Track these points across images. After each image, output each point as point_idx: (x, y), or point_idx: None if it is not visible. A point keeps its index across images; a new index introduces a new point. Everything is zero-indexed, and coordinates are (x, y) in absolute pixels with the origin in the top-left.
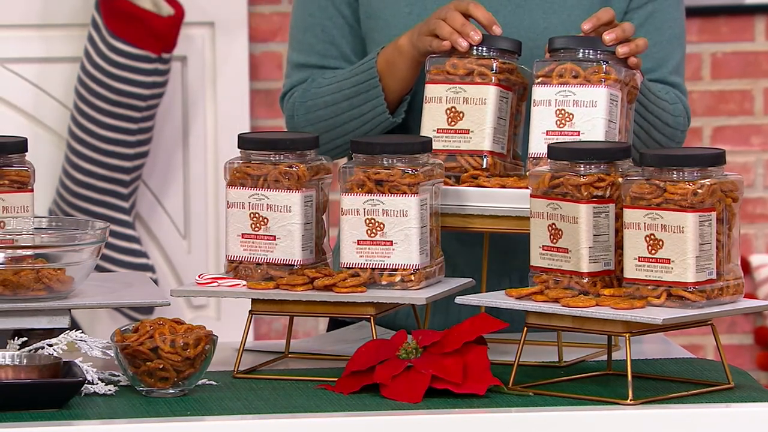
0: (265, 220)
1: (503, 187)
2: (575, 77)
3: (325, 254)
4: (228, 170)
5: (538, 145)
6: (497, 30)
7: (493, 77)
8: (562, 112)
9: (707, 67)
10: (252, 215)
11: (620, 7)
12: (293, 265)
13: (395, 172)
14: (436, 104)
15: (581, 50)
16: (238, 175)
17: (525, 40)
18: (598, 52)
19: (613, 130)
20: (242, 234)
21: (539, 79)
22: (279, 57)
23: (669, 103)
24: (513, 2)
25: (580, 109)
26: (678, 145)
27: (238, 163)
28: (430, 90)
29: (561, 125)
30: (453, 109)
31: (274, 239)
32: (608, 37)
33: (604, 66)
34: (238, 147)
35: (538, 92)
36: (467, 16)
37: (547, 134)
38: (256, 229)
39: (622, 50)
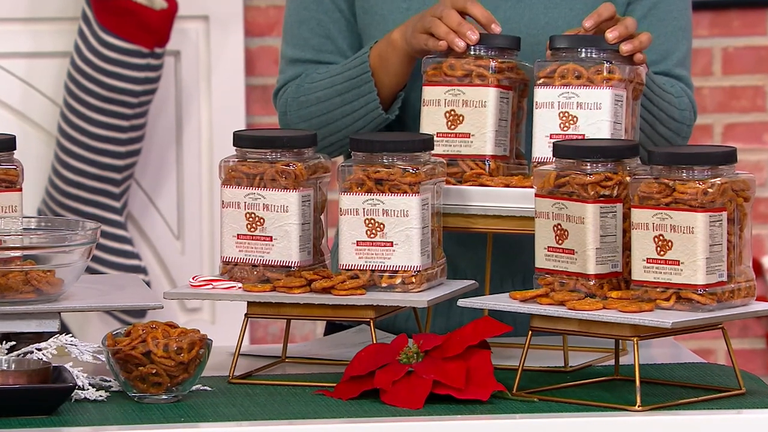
0: (262, 221)
1: (507, 186)
2: (578, 78)
3: (323, 255)
4: (223, 169)
5: (541, 149)
6: (496, 29)
7: (492, 78)
8: (566, 114)
9: (718, 62)
10: (248, 215)
11: None
12: (290, 267)
13: (396, 171)
14: (435, 107)
15: (583, 50)
16: (233, 174)
17: (526, 36)
18: (601, 51)
19: (619, 131)
20: (238, 235)
21: (540, 80)
22: (275, 52)
23: (674, 96)
24: None
25: (584, 112)
26: (684, 141)
27: (234, 161)
28: (428, 92)
29: (565, 128)
30: (452, 112)
31: (271, 240)
32: (611, 35)
33: (607, 65)
34: (234, 145)
35: (540, 94)
36: (464, 14)
37: (550, 137)
38: (252, 229)
39: (626, 48)
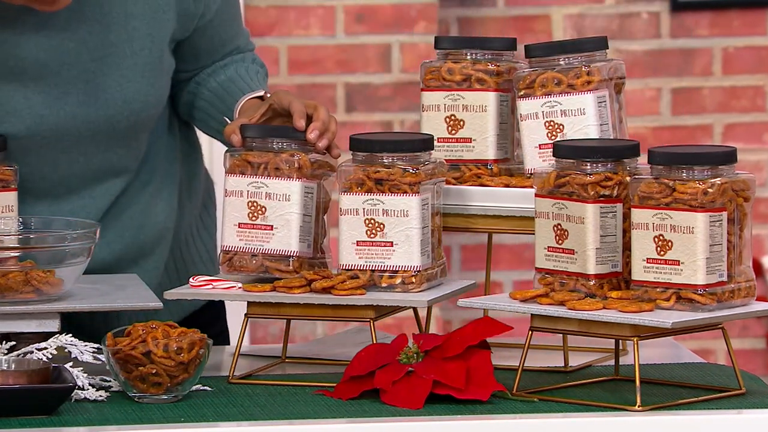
0: (263, 209)
1: (507, 186)
2: (558, 85)
3: (324, 254)
4: (228, 159)
5: (533, 161)
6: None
7: (491, 82)
8: (552, 123)
9: (718, 62)
10: (250, 204)
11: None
12: (290, 256)
13: (396, 171)
14: (435, 112)
15: (559, 56)
16: (238, 164)
17: (103, 117)
18: (578, 55)
19: (606, 132)
20: (239, 223)
21: (521, 92)
22: (275, 51)
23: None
24: (88, 74)
25: (569, 119)
26: None
27: (239, 151)
28: (427, 97)
29: (552, 137)
30: (452, 117)
31: (272, 229)
32: (312, 135)
33: (585, 69)
34: (240, 135)
35: (524, 106)
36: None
37: (539, 148)
38: (254, 218)
39: (321, 144)
